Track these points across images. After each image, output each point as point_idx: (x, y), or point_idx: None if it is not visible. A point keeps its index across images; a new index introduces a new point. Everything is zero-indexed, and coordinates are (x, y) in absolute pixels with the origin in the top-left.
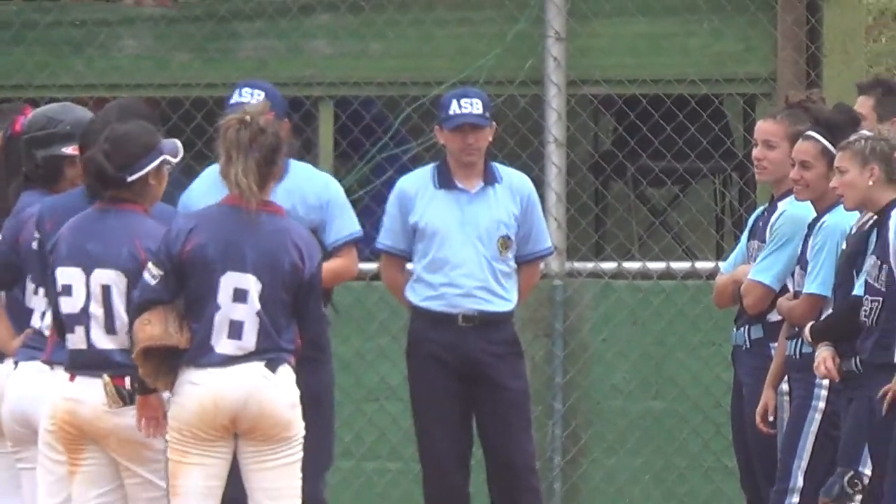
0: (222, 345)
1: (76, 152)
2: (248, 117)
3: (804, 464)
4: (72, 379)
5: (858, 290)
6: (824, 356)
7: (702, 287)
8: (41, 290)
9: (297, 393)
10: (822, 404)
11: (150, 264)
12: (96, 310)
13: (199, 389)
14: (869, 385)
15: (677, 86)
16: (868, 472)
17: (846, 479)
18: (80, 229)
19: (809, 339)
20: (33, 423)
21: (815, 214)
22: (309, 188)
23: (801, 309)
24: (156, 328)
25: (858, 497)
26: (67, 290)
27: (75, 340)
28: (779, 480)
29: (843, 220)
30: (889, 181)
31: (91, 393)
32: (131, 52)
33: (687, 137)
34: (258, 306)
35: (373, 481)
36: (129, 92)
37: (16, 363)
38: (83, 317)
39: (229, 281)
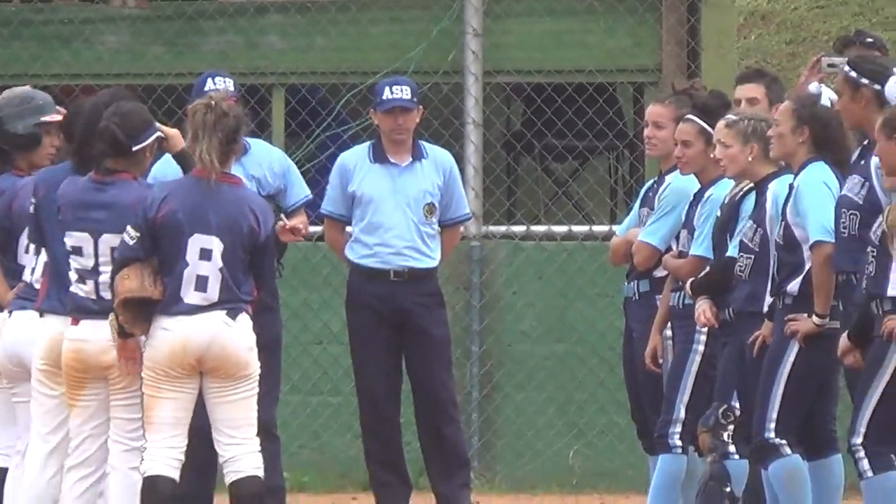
0: (190, 296)
1: (53, 120)
2: (213, 102)
3: (686, 398)
4: (76, 323)
5: (732, 251)
6: (704, 307)
7: (598, 247)
8: (31, 248)
9: (253, 337)
10: (701, 347)
11: (128, 227)
12: (104, 268)
13: (170, 334)
14: (741, 331)
15: (577, 75)
16: (738, 405)
17: (720, 411)
18: (83, 199)
19: (690, 293)
20: (26, 363)
21: (698, 186)
22: (273, 159)
23: (688, 268)
24: (133, 282)
25: (731, 427)
26: (78, 251)
27: (86, 290)
28: (664, 412)
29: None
30: (766, 157)
31: (96, 333)
32: (112, 47)
33: (585, 120)
34: (220, 263)
35: (317, 413)
36: (111, 80)
37: (10, 312)
38: (93, 273)
39: (196, 242)
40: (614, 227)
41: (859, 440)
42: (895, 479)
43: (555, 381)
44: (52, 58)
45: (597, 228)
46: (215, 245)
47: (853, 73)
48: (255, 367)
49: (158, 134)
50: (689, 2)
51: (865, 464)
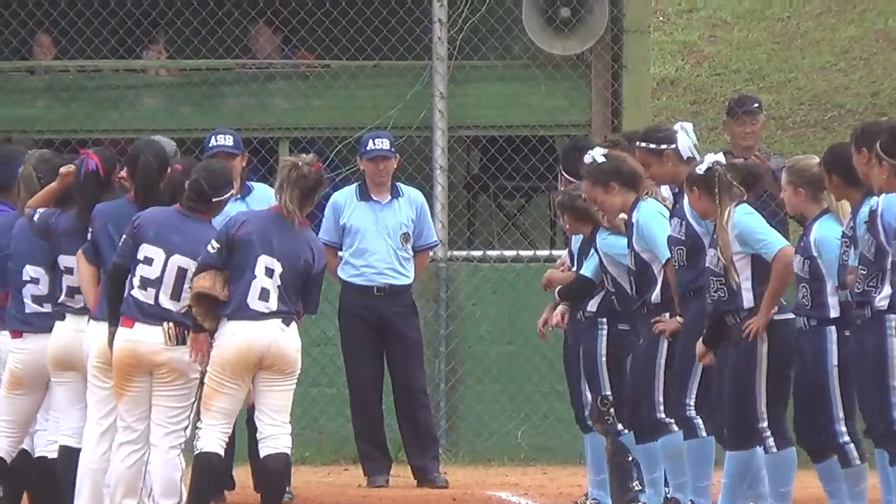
0: (255, 304)
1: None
2: (299, 163)
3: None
4: (130, 325)
5: (584, 271)
6: (557, 311)
7: (540, 267)
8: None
9: (300, 341)
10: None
11: (213, 240)
12: (168, 281)
13: (237, 338)
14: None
15: (523, 129)
16: (609, 393)
17: (598, 401)
18: (167, 223)
19: (558, 298)
20: (77, 360)
21: None
22: (270, 199)
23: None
24: (207, 281)
25: (612, 410)
26: (149, 261)
27: (146, 296)
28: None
29: None
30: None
31: (151, 335)
32: (150, 107)
33: (530, 165)
34: (279, 282)
35: (316, 401)
36: (149, 134)
37: (92, 320)
38: (156, 284)
39: (263, 261)
40: (554, 252)
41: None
42: (759, 454)
43: (506, 375)
44: (103, 116)
45: (539, 253)
46: (277, 266)
47: (650, 146)
48: (299, 366)
49: (233, 191)
50: (613, 70)
51: (853, 450)
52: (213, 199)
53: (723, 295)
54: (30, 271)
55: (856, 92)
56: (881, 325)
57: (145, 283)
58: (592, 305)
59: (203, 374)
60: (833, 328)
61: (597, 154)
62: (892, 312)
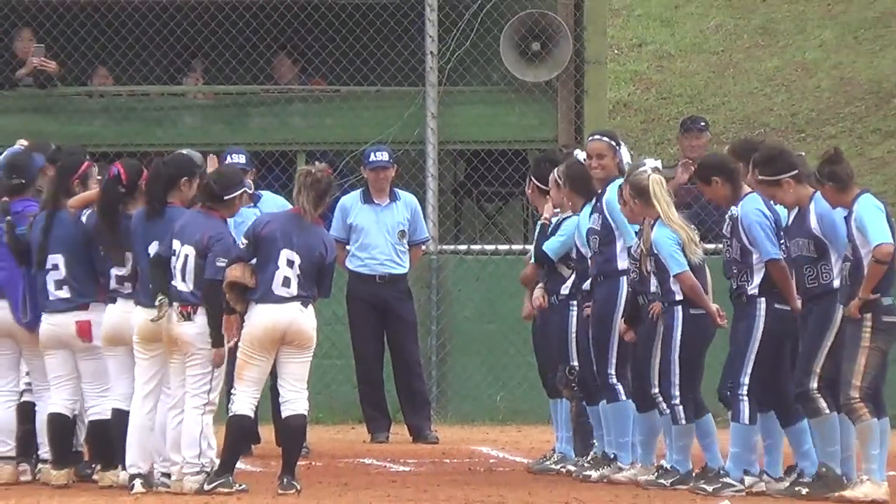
0: (279, 290)
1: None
2: (312, 170)
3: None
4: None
5: (546, 248)
6: (535, 295)
7: (516, 259)
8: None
9: (316, 321)
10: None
11: (242, 237)
12: (180, 266)
13: (263, 318)
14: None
15: (501, 144)
16: (575, 364)
17: (565, 371)
18: (188, 221)
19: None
20: (126, 336)
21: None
22: (278, 205)
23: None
24: (238, 271)
25: (577, 378)
26: (175, 252)
27: (173, 282)
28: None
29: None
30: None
31: (173, 315)
32: (189, 125)
33: (507, 174)
34: (298, 272)
35: (328, 371)
36: (188, 148)
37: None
38: (175, 268)
39: (285, 254)
40: (527, 247)
41: (657, 390)
42: (709, 420)
43: (487, 349)
44: (149, 133)
45: (514, 247)
46: (296, 258)
47: (612, 143)
48: (315, 341)
49: (245, 188)
50: (576, 95)
51: (681, 411)
52: (225, 197)
53: (636, 277)
54: (51, 260)
55: (778, 113)
56: (753, 306)
57: (175, 271)
58: (565, 289)
59: (234, 349)
60: (679, 308)
61: (580, 155)
62: (762, 297)
